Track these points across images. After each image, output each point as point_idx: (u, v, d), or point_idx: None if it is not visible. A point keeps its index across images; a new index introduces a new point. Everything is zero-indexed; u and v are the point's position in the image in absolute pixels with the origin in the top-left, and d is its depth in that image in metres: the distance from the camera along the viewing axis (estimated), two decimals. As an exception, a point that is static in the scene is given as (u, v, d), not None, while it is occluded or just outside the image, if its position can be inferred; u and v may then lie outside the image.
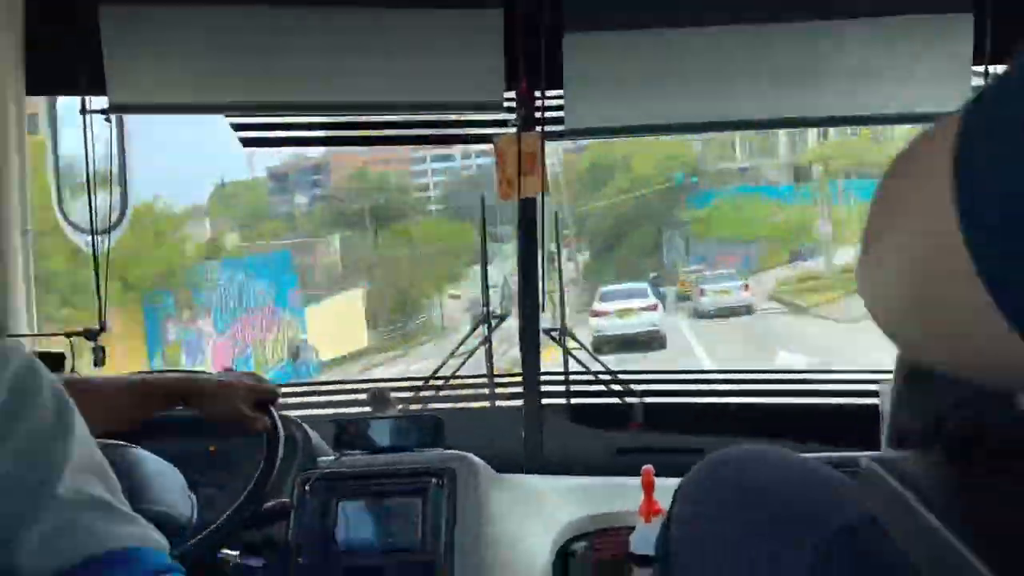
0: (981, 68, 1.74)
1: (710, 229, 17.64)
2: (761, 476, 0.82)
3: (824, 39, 1.76)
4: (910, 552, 0.41)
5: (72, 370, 1.63)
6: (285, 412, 1.48)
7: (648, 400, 2.01)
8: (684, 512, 0.87)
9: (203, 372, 1.53)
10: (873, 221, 0.42)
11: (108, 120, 1.81)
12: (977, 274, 0.30)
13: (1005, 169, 0.29)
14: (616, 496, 1.73)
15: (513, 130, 1.84)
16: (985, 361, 0.35)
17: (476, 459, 1.48)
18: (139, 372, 1.67)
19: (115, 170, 1.94)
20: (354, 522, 1.40)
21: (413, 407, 1.94)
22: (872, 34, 1.76)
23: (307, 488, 1.41)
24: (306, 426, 1.53)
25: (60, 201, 2.04)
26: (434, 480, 1.42)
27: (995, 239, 0.29)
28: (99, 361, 1.80)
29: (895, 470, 0.44)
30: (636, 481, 1.73)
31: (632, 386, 2.03)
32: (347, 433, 1.52)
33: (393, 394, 1.71)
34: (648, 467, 1.67)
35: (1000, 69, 0.32)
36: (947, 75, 1.74)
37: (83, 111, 1.80)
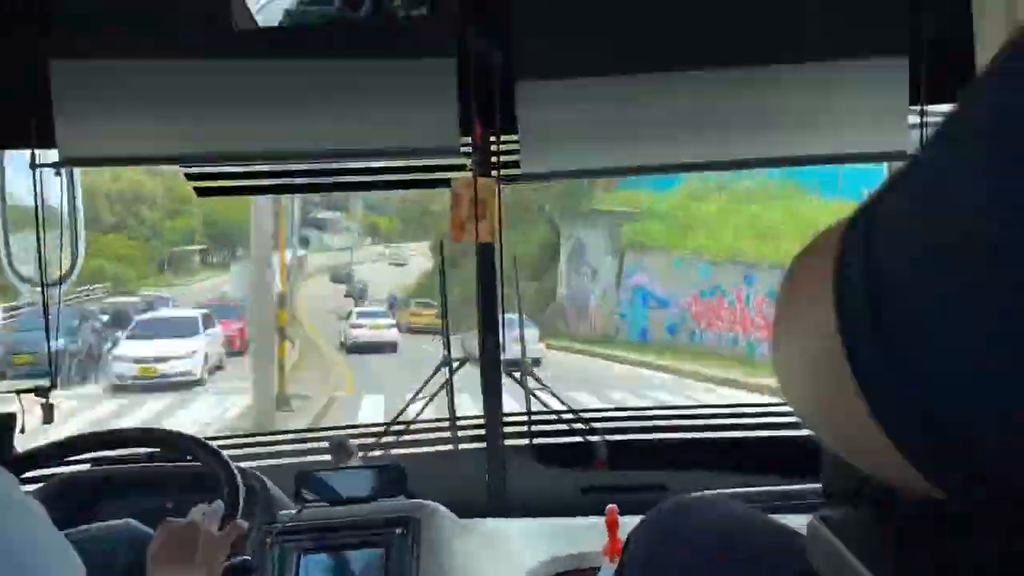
0: (917, 108, 1.82)
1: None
2: (710, 528, 0.83)
3: (768, 84, 1.82)
4: None
5: (22, 429, 1.58)
6: (243, 464, 1.46)
7: (611, 438, 2.02)
8: (634, 562, 0.88)
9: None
10: (777, 311, 0.45)
11: (58, 174, 1.80)
12: (857, 387, 0.32)
13: (889, 302, 0.30)
14: (581, 537, 1.73)
15: (469, 174, 1.87)
16: (869, 464, 0.37)
17: (439, 507, 1.47)
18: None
19: (67, 222, 1.93)
20: (316, 574, 1.38)
21: (374, 453, 1.92)
22: (814, 78, 1.83)
23: (268, 542, 1.39)
24: (265, 478, 1.50)
25: (9, 255, 2.01)
26: (397, 530, 1.40)
27: (875, 368, 0.31)
28: (48, 419, 1.76)
29: (834, 527, 0.46)
30: (601, 520, 1.74)
31: (595, 424, 2.04)
32: (308, 485, 1.49)
33: (353, 441, 1.69)
34: (612, 506, 1.68)
35: (936, 109, 0.34)
36: (885, 116, 1.82)
37: (33, 165, 1.78)
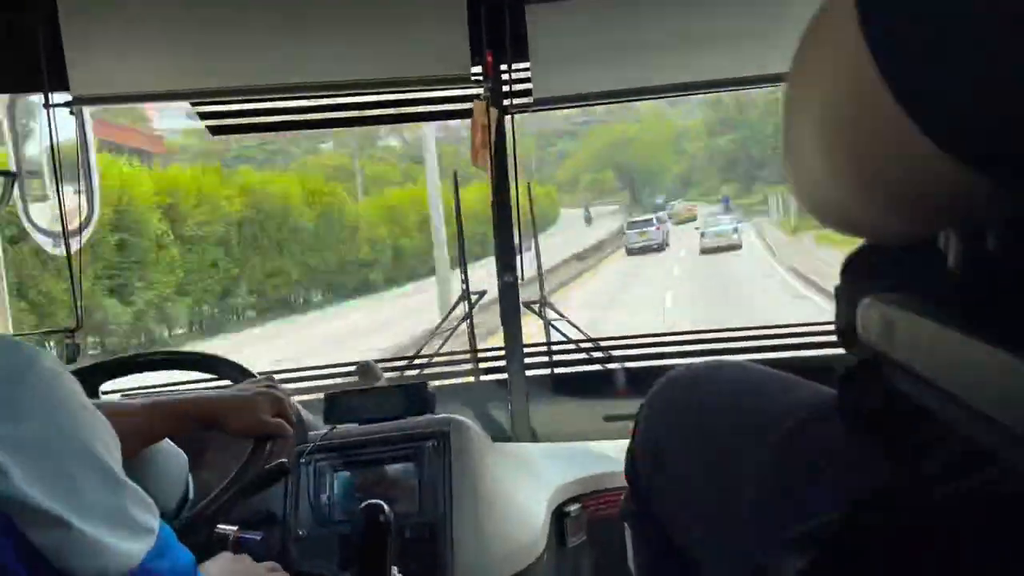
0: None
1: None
2: (717, 386, 0.83)
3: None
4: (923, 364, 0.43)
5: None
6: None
7: (631, 365, 2.04)
8: (647, 430, 0.88)
9: (219, 387, 1.54)
10: (790, 94, 0.45)
11: (72, 113, 1.79)
12: (895, 100, 0.32)
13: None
14: (606, 458, 1.75)
15: (481, 104, 1.86)
16: (905, 184, 0.37)
17: (468, 421, 1.49)
18: (159, 391, 1.65)
19: (81, 167, 1.93)
20: (351, 491, 1.40)
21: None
22: None
23: (301, 460, 1.41)
24: (296, 402, 1.52)
25: (26, 206, 2.01)
26: (429, 443, 1.41)
27: (905, 62, 0.31)
28: (73, 357, 1.79)
29: (891, 301, 0.46)
30: (624, 444, 1.76)
31: (614, 352, 2.05)
32: (338, 406, 1.51)
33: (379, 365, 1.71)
34: (636, 425, 1.70)
35: None
36: None
37: (46, 105, 1.77)
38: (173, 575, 0.78)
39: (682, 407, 0.86)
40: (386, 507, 1.19)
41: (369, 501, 1.22)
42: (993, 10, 0.29)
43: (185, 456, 1.20)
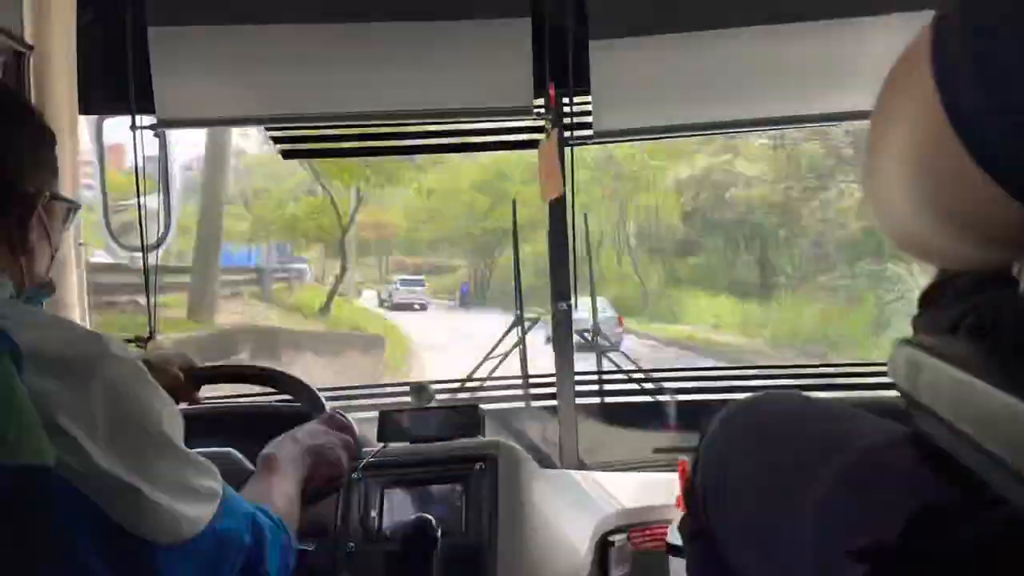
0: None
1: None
2: (781, 414, 0.84)
3: (844, 35, 1.80)
4: (952, 418, 0.44)
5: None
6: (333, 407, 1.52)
7: (682, 397, 2.03)
8: (708, 459, 0.89)
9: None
10: (873, 133, 0.46)
11: (157, 136, 1.90)
12: (963, 145, 0.33)
13: (976, 54, 0.33)
14: (654, 490, 1.75)
15: (543, 136, 1.90)
16: (979, 222, 0.39)
17: (517, 447, 1.50)
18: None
19: (161, 186, 2.03)
20: (399, 508, 1.42)
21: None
22: (892, 31, 1.79)
23: (353, 476, 1.44)
24: (350, 419, 1.56)
25: (107, 217, 2.12)
26: (476, 466, 1.43)
27: (973, 111, 0.33)
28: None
29: (920, 345, 0.47)
30: (673, 476, 1.75)
31: (665, 384, 2.05)
32: (390, 424, 1.54)
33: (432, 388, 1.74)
34: (683, 459, 1.69)
35: None
36: None
37: (132, 127, 1.88)
38: (236, 531, 0.85)
39: (745, 432, 0.86)
40: (434, 521, 1.22)
41: (419, 514, 1.25)
42: None
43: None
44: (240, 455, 1.38)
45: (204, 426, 1.39)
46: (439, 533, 1.23)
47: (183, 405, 1.45)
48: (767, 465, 0.79)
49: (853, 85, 1.84)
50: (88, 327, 0.82)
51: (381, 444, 1.51)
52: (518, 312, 2.07)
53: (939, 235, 0.44)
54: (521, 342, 2.05)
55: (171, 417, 0.81)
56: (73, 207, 0.96)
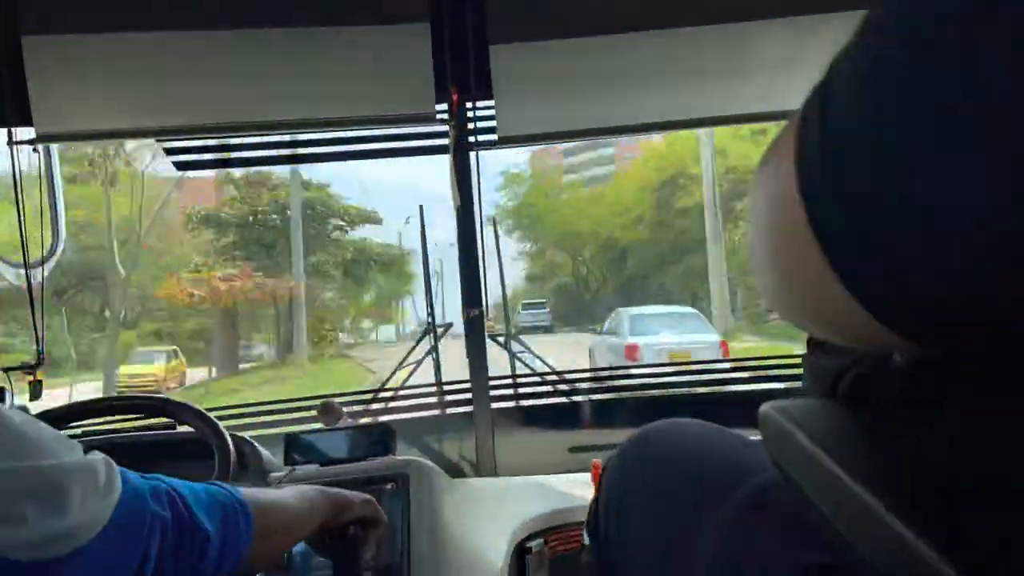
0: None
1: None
2: (680, 445, 0.84)
3: (741, 38, 1.84)
4: (813, 497, 0.45)
5: (11, 405, 1.59)
6: (235, 432, 1.47)
7: (595, 397, 2.05)
8: (611, 484, 0.89)
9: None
10: (751, 210, 0.46)
11: (36, 151, 1.78)
12: (822, 256, 0.33)
13: (837, 161, 0.32)
14: (568, 492, 1.76)
15: (446, 142, 1.88)
16: (837, 329, 0.39)
17: (428, 462, 1.49)
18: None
19: (46, 201, 1.92)
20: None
21: (363, 420, 1.94)
22: (788, 32, 1.84)
23: None
24: (255, 442, 1.52)
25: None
26: (387, 486, 1.42)
27: (836, 227, 0.33)
28: (36, 395, 1.77)
29: (786, 413, 0.47)
30: (587, 476, 1.77)
31: (578, 384, 2.07)
32: (298, 446, 1.51)
33: (343, 408, 1.70)
34: (597, 460, 1.71)
35: None
36: None
37: (10, 142, 1.76)
38: (139, 511, 0.74)
39: (645, 467, 0.86)
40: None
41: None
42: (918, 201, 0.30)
43: None
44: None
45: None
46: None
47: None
48: (662, 504, 0.80)
49: (745, 84, 1.89)
50: None
51: (288, 468, 1.47)
52: (430, 319, 2.05)
53: (810, 328, 0.44)
54: (434, 349, 2.03)
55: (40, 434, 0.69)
56: None
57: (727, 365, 2.21)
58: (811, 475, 0.42)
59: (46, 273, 1.93)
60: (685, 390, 2.18)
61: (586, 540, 1.64)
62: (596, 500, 0.92)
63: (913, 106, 0.29)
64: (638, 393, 2.17)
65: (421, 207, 2.09)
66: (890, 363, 0.49)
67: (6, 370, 1.73)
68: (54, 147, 1.88)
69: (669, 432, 0.89)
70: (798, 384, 0.60)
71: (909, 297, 0.32)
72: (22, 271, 1.95)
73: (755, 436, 0.82)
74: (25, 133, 1.78)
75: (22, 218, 1.84)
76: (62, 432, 0.74)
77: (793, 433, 0.45)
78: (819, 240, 0.33)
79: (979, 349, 0.35)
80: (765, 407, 0.50)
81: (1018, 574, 0.32)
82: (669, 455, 0.84)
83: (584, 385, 2.08)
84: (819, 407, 0.47)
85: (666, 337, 10.05)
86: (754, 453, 0.74)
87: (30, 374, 1.76)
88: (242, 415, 2.03)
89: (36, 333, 1.84)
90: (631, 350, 9.88)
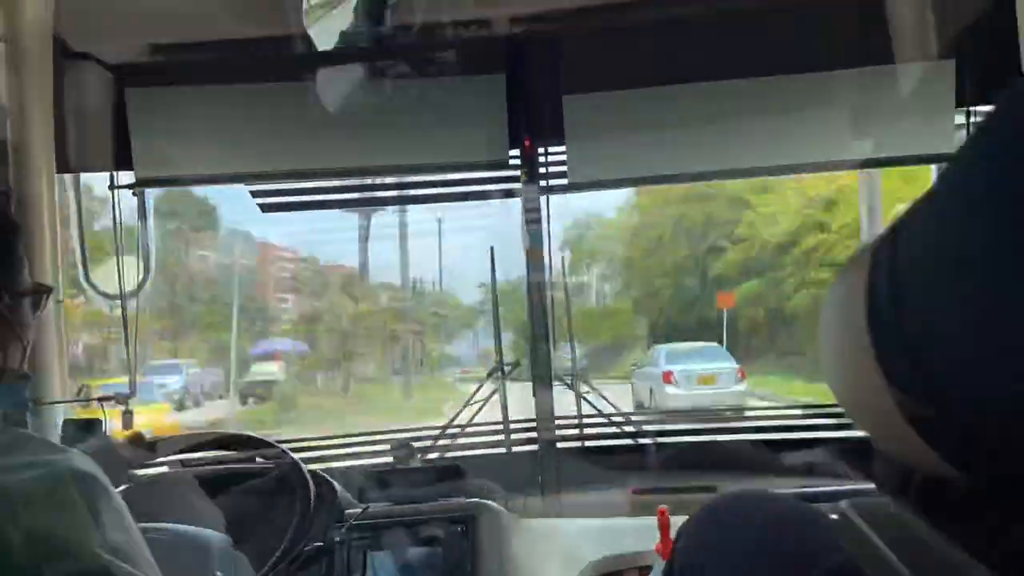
0: (963, 109, 1.82)
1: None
2: (757, 518, 0.85)
3: (814, 88, 1.84)
4: None
5: (107, 432, 1.67)
6: (311, 466, 1.52)
7: (661, 440, 2.04)
8: (688, 549, 0.90)
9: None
10: (822, 321, 0.48)
11: (135, 194, 1.89)
12: (887, 387, 0.35)
13: (909, 304, 0.34)
14: (634, 535, 1.76)
15: (519, 185, 1.92)
16: (891, 444, 0.41)
17: (496, 505, 1.51)
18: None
19: (140, 240, 2.03)
20: (382, 570, 1.43)
21: (432, 455, 1.97)
22: (861, 82, 1.84)
23: (336, 540, 1.44)
24: (333, 481, 1.57)
25: (86, 270, 2.11)
26: (456, 528, 1.45)
27: (899, 366, 0.35)
28: (127, 424, 1.85)
29: (868, 514, 0.48)
30: (653, 521, 1.77)
31: (645, 427, 2.06)
32: (372, 485, 1.55)
33: (414, 443, 1.75)
34: (663, 507, 1.71)
35: (983, 109, 0.37)
36: (933, 117, 1.82)
37: (111, 186, 1.87)
38: None
39: (718, 537, 0.87)
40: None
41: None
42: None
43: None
44: (209, 531, 1.37)
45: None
46: None
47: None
48: (742, 571, 0.80)
49: (819, 134, 1.88)
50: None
51: (363, 505, 1.52)
52: (498, 358, 2.08)
53: (867, 430, 0.46)
54: (502, 388, 2.06)
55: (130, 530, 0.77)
56: (43, 291, 0.93)
57: (788, 412, 2.17)
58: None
59: (138, 303, 2.03)
60: (752, 436, 2.16)
61: (656, 568, 1.63)
62: (670, 565, 0.93)
63: (977, 260, 0.31)
64: (703, 438, 2.15)
65: (492, 249, 2.13)
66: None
67: (100, 400, 1.82)
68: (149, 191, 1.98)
69: (743, 503, 0.90)
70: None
71: (957, 427, 0.33)
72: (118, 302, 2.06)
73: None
74: (125, 178, 1.89)
75: (120, 255, 1.95)
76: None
77: (870, 537, 0.46)
78: (880, 366, 0.35)
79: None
80: (845, 504, 0.51)
81: None
82: (744, 529, 0.85)
83: (650, 428, 2.08)
84: (896, 515, 0.48)
85: (694, 364, 10.96)
86: (825, 534, 0.74)
87: (122, 404, 1.85)
88: (318, 447, 2.09)
89: (129, 364, 1.94)
90: (667, 376, 10.86)
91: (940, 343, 0.33)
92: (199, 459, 1.65)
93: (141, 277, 2.11)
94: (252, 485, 1.47)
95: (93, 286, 2.13)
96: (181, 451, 1.49)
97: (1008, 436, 0.32)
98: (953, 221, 0.33)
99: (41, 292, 0.93)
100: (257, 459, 1.55)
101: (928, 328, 0.33)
